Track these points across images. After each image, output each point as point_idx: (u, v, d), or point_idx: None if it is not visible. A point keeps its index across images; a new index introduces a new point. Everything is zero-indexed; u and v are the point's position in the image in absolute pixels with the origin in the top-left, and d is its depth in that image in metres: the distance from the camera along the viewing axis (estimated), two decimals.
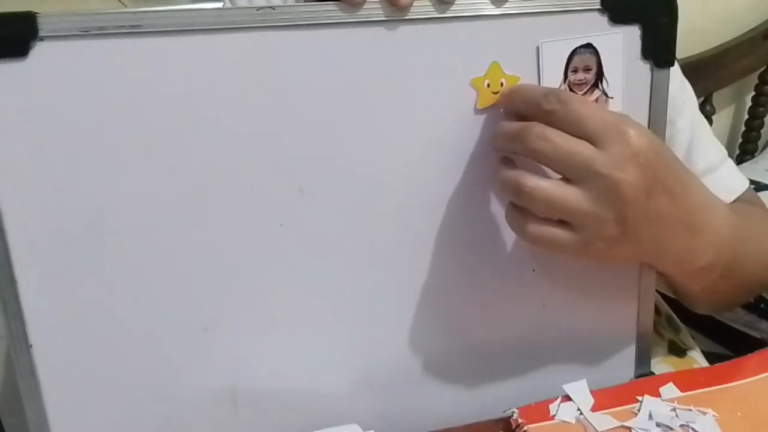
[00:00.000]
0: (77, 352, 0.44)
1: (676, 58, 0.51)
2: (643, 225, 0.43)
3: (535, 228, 0.43)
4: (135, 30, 0.40)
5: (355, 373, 0.49)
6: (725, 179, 0.61)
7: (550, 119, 0.42)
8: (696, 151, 0.61)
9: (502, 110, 0.46)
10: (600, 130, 0.41)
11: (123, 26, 0.40)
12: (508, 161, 0.44)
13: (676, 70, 0.54)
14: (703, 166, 0.60)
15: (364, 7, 0.43)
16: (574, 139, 0.41)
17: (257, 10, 0.42)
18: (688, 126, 0.61)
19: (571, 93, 0.46)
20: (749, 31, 1.08)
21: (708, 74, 1.05)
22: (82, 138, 0.41)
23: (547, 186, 0.41)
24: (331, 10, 0.42)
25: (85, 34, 0.40)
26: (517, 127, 0.43)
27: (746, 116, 1.18)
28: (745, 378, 0.50)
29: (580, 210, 0.41)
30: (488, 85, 0.45)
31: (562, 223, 0.42)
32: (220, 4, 0.73)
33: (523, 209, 0.43)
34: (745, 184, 0.63)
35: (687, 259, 0.47)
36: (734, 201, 0.60)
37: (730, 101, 1.18)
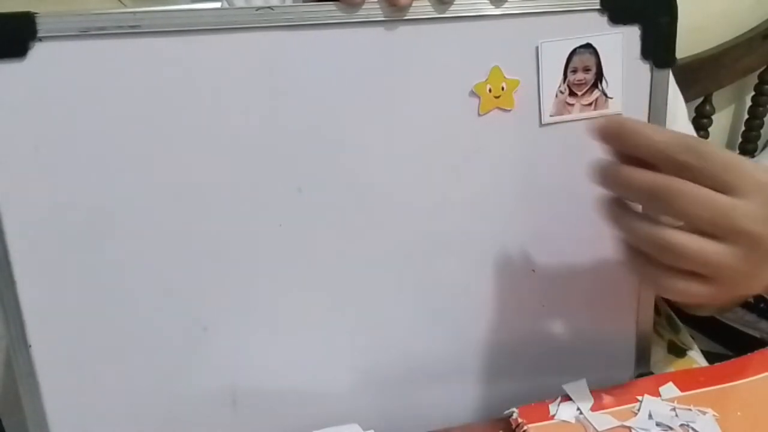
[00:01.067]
0: (77, 352, 0.44)
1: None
2: None
3: (670, 282, 0.41)
4: (134, 30, 0.40)
5: (355, 373, 0.49)
6: None
7: (683, 173, 0.40)
8: None
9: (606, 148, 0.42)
10: (737, 182, 0.40)
11: (122, 26, 0.40)
12: (626, 207, 0.42)
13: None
14: None
15: (364, 7, 0.43)
16: (718, 195, 0.40)
17: (256, 10, 0.42)
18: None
19: (705, 143, 0.43)
20: (749, 31, 1.08)
21: (708, 74, 1.05)
22: (80, 138, 0.41)
23: (694, 244, 0.40)
24: (331, 10, 0.42)
25: (84, 34, 0.40)
26: (653, 184, 0.40)
27: (746, 116, 1.18)
28: (745, 378, 0.50)
29: (726, 266, 0.40)
30: (490, 90, 0.45)
31: (693, 273, 0.41)
32: (219, 4, 0.73)
33: (647, 256, 0.42)
34: None
35: None
36: None
37: (730, 101, 1.18)
